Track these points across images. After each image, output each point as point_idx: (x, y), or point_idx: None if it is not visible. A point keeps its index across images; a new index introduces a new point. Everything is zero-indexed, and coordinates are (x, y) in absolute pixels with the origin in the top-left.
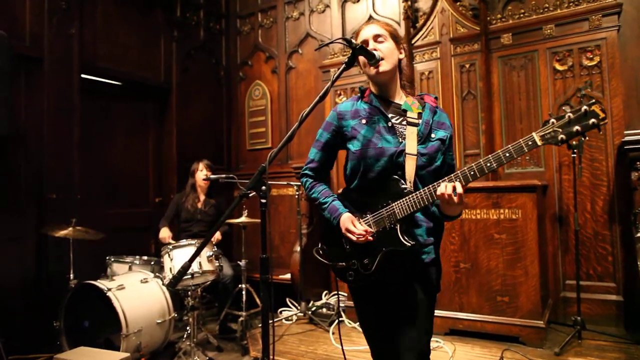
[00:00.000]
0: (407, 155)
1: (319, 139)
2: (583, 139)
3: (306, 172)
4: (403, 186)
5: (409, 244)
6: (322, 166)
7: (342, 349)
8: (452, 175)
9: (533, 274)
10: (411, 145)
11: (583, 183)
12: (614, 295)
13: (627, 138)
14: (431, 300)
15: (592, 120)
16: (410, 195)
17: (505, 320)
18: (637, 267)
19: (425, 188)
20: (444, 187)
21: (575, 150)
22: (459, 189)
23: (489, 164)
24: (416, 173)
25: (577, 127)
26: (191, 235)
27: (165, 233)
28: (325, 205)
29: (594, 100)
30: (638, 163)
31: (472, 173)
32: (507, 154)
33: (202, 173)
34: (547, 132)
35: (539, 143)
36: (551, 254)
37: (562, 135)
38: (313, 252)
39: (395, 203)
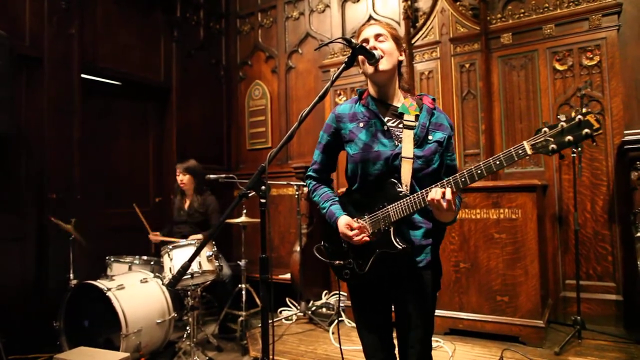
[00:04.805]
0: (403, 158)
1: (320, 141)
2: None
3: (310, 174)
4: (399, 189)
5: (401, 247)
6: (325, 167)
7: (340, 349)
8: (444, 181)
9: (533, 273)
10: (407, 148)
11: (583, 183)
12: (613, 294)
13: (626, 138)
14: (429, 301)
15: (586, 130)
16: (404, 199)
17: (505, 320)
18: (636, 267)
19: (418, 192)
20: (434, 193)
21: (575, 150)
22: (448, 195)
23: (479, 171)
24: (413, 176)
25: (569, 137)
26: (182, 236)
27: (152, 236)
28: (325, 210)
29: (589, 110)
30: (638, 163)
31: (462, 180)
32: (498, 162)
33: (178, 178)
34: (538, 141)
35: (529, 152)
36: (551, 254)
37: (553, 145)
38: (313, 250)
39: (391, 206)
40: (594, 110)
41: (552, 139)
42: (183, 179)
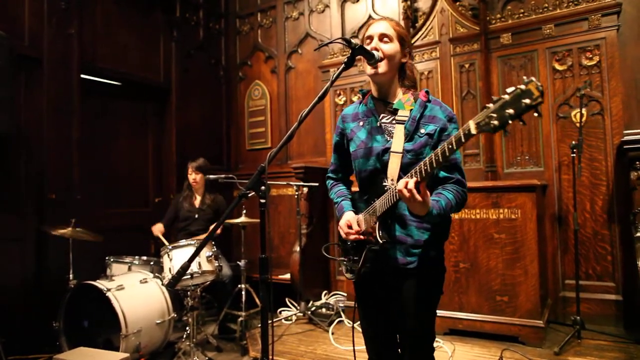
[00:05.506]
0: (391, 153)
1: (333, 143)
2: (523, 124)
3: (328, 174)
4: (384, 184)
5: (381, 241)
6: (340, 167)
7: (353, 349)
8: (412, 170)
9: (532, 273)
10: (397, 143)
11: (582, 183)
12: (613, 294)
13: (626, 138)
14: (415, 305)
15: (525, 100)
16: (386, 193)
17: (504, 320)
18: (636, 267)
19: (394, 185)
20: (400, 184)
21: (574, 150)
22: (410, 185)
23: (436, 158)
24: (403, 170)
25: (509, 111)
26: (189, 234)
27: (157, 228)
28: (336, 206)
29: (531, 79)
30: (637, 163)
31: (425, 168)
32: (450, 146)
33: (190, 177)
34: (481, 118)
35: (474, 131)
36: (550, 254)
37: (494, 122)
38: (322, 249)
39: (377, 201)
40: (594, 110)
41: (494, 115)
42: (196, 177)
